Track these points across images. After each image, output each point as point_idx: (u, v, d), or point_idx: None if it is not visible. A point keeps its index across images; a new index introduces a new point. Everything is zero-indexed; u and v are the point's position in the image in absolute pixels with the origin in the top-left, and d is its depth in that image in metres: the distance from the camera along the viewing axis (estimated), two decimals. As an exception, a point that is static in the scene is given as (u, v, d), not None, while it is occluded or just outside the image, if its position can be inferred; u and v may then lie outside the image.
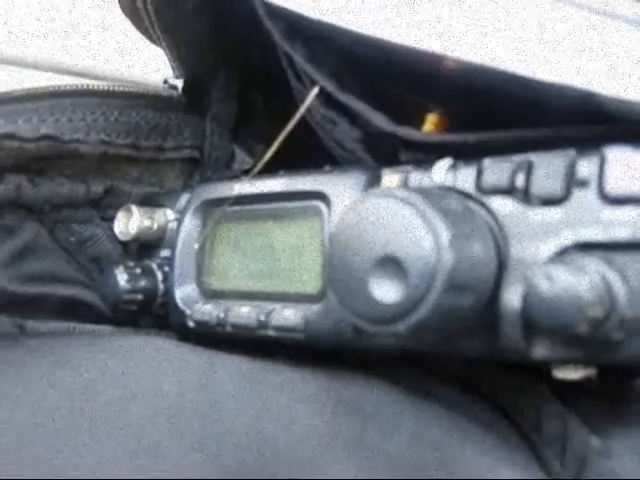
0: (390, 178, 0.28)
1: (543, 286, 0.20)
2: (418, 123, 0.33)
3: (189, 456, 0.23)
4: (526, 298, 0.21)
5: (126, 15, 0.51)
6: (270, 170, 0.33)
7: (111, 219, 0.38)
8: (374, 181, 0.28)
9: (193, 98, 0.40)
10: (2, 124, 0.32)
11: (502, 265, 0.24)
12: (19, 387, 0.25)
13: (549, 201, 0.23)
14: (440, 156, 0.27)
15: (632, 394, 0.27)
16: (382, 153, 0.31)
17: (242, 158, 0.43)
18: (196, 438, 0.24)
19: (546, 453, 0.27)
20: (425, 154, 0.29)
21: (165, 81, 0.40)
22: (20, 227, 0.35)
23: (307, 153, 0.33)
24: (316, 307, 0.28)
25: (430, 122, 0.33)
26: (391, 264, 0.23)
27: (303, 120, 0.34)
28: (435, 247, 0.22)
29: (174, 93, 0.40)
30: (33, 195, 0.34)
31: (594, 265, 0.21)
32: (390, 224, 0.23)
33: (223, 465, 0.23)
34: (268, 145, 0.35)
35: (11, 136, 0.32)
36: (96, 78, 0.76)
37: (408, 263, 0.22)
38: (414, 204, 0.23)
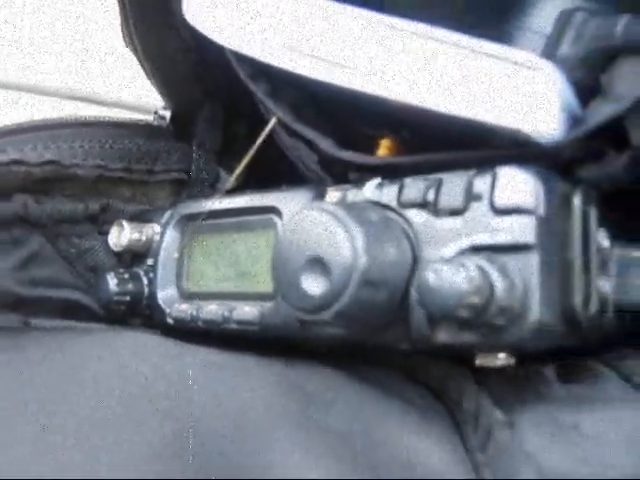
0: (332, 195, 0.33)
1: (430, 279, 0.25)
2: (374, 147, 0.38)
3: (157, 422, 0.28)
4: (419, 290, 0.26)
5: (131, 51, 0.57)
6: (249, 188, 0.38)
7: (107, 233, 0.42)
8: (319, 197, 0.33)
9: (180, 127, 0.45)
10: (11, 151, 0.38)
11: (415, 265, 0.29)
12: (23, 366, 0.30)
13: (453, 212, 0.28)
14: (377, 176, 0.32)
15: (539, 378, 0.31)
16: (336, 174, 0.35)
17: (227, 179, 0.48)
18: (163, 408, 0.28)
19: (464, 427, 0.31)
20: (368, 174, 0.34)
21: (155, 112, 0.45)
22: (26, 239, 0.40)
23: (281, 174, 0.38)
24: (269, 304, 0.33)
25: (384, 146, 0.38)
26: (318, 264, 0.28)
27: (276, 145, 0.39)
28: (352, 250, 0.27)
29: (163, 123, 0.45)
30: (38, 212, 0.40)
31: (476, 262, 0.26)
32: (319, 231, 0.28)
33: (183, 428, 0.27)
34: (248, 168, 0.40)
35: (19, 162, 0.38)
36: (100, 103, 0.81)
37: (331, 263, 0.27)
38: (337, 216, 0.28)
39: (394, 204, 0.30)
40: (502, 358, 0.29)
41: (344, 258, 0.27)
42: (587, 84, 0.31)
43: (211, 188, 0.47)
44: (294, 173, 0.39)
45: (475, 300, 0.25)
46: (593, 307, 0.28)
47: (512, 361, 0.29)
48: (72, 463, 0.25)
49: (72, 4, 0.91)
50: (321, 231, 0.28)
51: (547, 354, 0.30)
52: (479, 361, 0.29)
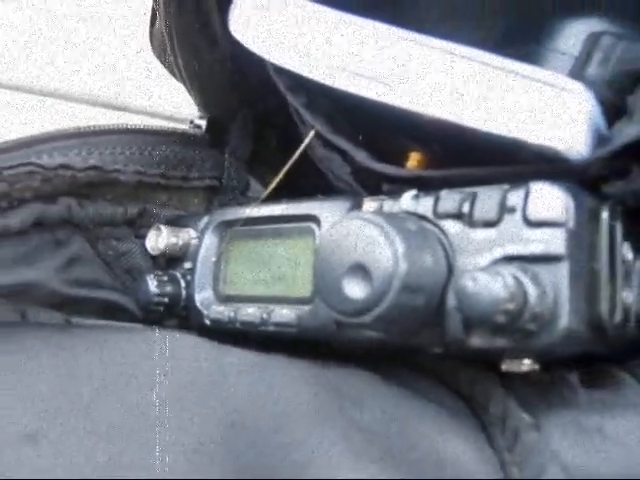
0: (369, 205, 0.34)
1: (469, 285, 0.27)
2: (404, 160, 0.39)
3: (201, 418, 0.29)
4: (458, 296, 0.27)
5: (159, 60, 0.58)
6: (280, 197, 0.40)
7: (143, 237, 0.44)
8: (356, 207, 0.35)
9: (214, 136, 0.46)
10: (58, 156, 0.39)
11: (451, 272, 0.30)
12: (68, 358, 0.32)
13: (487, 223, 0.30)
14: (410, 188, 0.34)
15: (564, 383, 0.32)
16: (369, 185, 0.37)
17: (256, 188, 0.50)
18: (207, 405, 0.30)
19: (491, 429, 0.32)
20: (401, 186, 0.35)
21: (191, 121, 0.47)
22: (69, 241, 0.41)
23: (313, 185, 0.40)
24: (307, 307, 0.35)
25: (413, 159, 0.40)
26: (360, 270, 0.29)
27: (307, 156, 0.41)
28: (393, 257, 0.29)
29: (198, 132, 0.46)
30: (81, 215, 0.41)
31: (511, 271, 0.27)
32: (360, 239, 0.30)
33: (228, 425, 0.29)
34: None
35: (65, 166, 0.39)
36: (136, 112, 0.83)
37: (373, 269, 0.29)
38: (378, 224, 0.29)
39: (430, 215, 0.31)
40: (527, 364, 0.30)
41: (385, 264, 0.29)
42: (613, 105, 0.32)
43: (242, 195, 0.49)
44: (322, 183, 0.41)
45: (510, 306, 0.27)
46: (618, 316, 0.29)
47: (536, 367, 0.30)
48: (126, 456, 0.26)
49: (96, 9, 0.93)
50: (363, 239, 0.29)
51: (572, 360, 0.31)
52: (505, 366, 0.30)
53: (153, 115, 0.91)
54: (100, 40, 0.91)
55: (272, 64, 0.38)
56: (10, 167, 0.37)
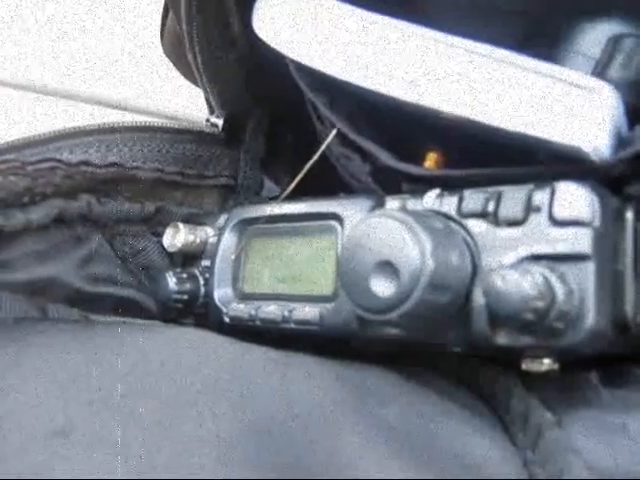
0: (392, 204, 0.34)
1: (498, 283, 0.27)
2: (421, 159, 0.40)
3: (226, 415, 0.29)
4: (486, 294, 0.28)
5: (170, 59, 0.59)
6: (296, 197, 0.40)
7: (159, 234, 0.44)
8: (379, 205, 0.35)
9: (230, 135, 0.46)
10: (78, 153, 0.39)
11: (475, 271, 0.30)
12: (91, 354, 0.32)
13: (512, 223, 0.30)
14: (432, 187, 0.34)
15: (585, 382, 0.33)
16: (388, 184, 0.37)
17: (270, 186, 0.50)
18: (233, 402, 0.30)
19: (513, 428, 0.32)
20: (421, 185, 0.35)
21: (207, 120, 0.47)
22: (87, 238, 0.42)
23: (327, 183, 0.40)
24: (330, 305, 0.35)
25: (430, 159, 0.40)
26: (387, 267, 0.29)
27: (324, 156, 0.41)
28: (420, 255, 0.29)
29: (215, 130, 0.47)
30: (100, 212, 0.41)
31: (538, 269, 0.27)
32: (387, 236, 0.30)
33: (254, 422, 0.29)
34: (293, 176, 0.42)
35: (86, 163, 0.39)
36: (151, 115, 0.83)
37: (400, 266, 0.29)
38: (406, 222, 0.29)
39: (454, 214, 0.32)
40: (547, 363, 0.30)
41: (413, 262, 0.29)
42: (634, 107, 0.33)
43: (256, 194, 0.49)
44: (336, 181, 0.41)
45: (539, 304, 0.27)
46: (641, 316, 0.30)
47: (556, 366, 0.30)
48: (160, 450, 0.26)
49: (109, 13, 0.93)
50: (390, 236, 0.30)
51: (596, 359, 0.32)
52: (525, 366, 0.31)
53: (153, 114, 0.91)
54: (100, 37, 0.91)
55: (294, 63, 0.38)
56: (33, 162, 0.37)
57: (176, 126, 0.45)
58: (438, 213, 0.32)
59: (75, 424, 0.26)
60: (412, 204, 0.33)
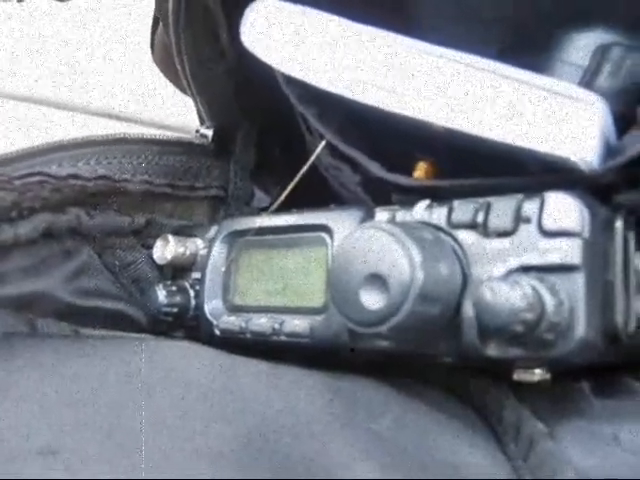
0: (381, 215, 0.34)
1: (487, 296, 0.27)
2: (411, 170, 0.40)
3: (217, 427, 0.29)
4: (476, 306, 0.28)
5: (159, 68, 0.58)
6: (285, 208, 0.40)
7: (149, 247, 0.44)
8: (368, 217, 0.35)
9: (220, 146, 0.46)
10: (67, 166, 0.39)
11: (465, 282, 0.30)
12: (80, 370, 0.32)
13: (501, 233, 0.30)
14: (421, 198, 0.34)
15: (576, 393, 0.33)
16: (379, 195, 0.37)
17: (260, 197, 0.49)
18: (224, 414, 0.30)
19: (505, 438, 0.32)
20: (411, 196, 0.35)
21: (197, 131, 0.47)
22: (77, 251, 0.41)
23: (317, 194, 0.40)
24: (320, 317, 0.35)
25: (420, 169, 0.40)
26: (377, 279, 0.29)
27: (314, 166, 0.41)
28: (409, 267, 0.29)
29: (205, 141, 0.46)
30: (89, 225, 0.41)
31: (528, 280, 0.27)
32: (377, 249, 0.30)
33: (244, 434, 0.29)
34: (283, 187, 0.42)
35: (75, 176, 0.39)
36: (139, 123, 0.83)
37: (389, 279, 0.29)
38: (395, 234, 0.29)
39: (444, 225, 0.32)
40: (539, 373, 0.30)
41: (402, 274, 0.29)
42: (623, 116, 0.33)
43: (246, 205, 0.49)
44: (326, 191, 0.41)
45: (528, 316, 0.27)
46: (632, 326, 0.30)
47: (548, 376, 0.30)
48: (146, 467, 0.26)
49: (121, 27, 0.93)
50: (379, 248, 0.29)
51: (587, 369, 0.32)
52: (517, 376, 0.31)
53: (149, 125, 0.91)
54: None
55: (283, 75, 0.38)
56: (20, 177, 0.37)
57: (165, 138, 0.45)
58: (428, 224, 0.32)
59: (64, 442, 0.26)
60: (401, 215, 0.33)
